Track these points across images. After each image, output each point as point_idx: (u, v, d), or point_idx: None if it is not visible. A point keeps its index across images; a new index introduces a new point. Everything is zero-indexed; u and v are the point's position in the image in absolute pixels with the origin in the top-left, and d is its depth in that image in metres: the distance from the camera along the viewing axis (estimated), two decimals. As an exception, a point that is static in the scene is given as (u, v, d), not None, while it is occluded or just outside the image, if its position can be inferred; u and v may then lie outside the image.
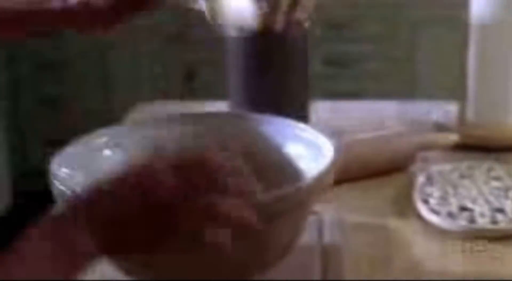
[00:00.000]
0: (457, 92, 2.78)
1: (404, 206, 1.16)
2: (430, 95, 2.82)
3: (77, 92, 3.00)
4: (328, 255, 1.00)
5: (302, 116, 1.37)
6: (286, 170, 1.02)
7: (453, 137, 1.33)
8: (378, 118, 1.49)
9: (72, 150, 0.99)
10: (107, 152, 1.03)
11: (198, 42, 2.61)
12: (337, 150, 0.95)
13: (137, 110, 1.62)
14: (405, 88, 2.90)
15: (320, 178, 0.88)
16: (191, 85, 2.84)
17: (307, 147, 1.01)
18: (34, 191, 3.04)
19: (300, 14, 1.31)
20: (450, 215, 1.11)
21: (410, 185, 1.21)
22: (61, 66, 2.96)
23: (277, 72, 1.33)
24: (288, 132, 1.04)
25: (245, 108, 1.34)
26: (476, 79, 1.36)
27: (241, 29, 1.32)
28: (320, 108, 1.44)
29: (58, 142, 3.12)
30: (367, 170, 1.24)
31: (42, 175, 3.06)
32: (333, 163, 0.91)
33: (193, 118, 1.09)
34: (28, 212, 2.94)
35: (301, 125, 1.04)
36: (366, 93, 2.88)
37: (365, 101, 1.69)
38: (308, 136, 1.01)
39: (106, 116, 2.98)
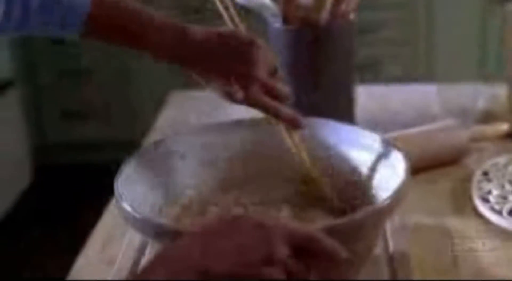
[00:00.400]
0: (476, 58, 2.79)
1: (463, 204, 1.15)
2: (448, 62, 2.82)
3: (95, 66, 2.96)
4: (395, 263, 0.98)
5: (348, 106, 1.35)
6: (350, 178, 1.00)
7: (504, 127, 1.30)
8: (422, 104, 1.47)
9: (132, 166, 0.97)
10: (167, 163, 1.01)
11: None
12: (407, 160, 0.93)
13: (170, 100, 1.59)
14: (423, 55, 2.87)
15: (397, 196, 0.86)
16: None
17: (371, 154, 0.99)
18: (53, 165, 3.04)
19: (346, 6, 1.28)
20: (511, 213, 1.09)
21: (466, 180, 1.19)
22: (79, 40, 2.92)
23: (322, 64, 1.31)
24: (351, 138, 1.02)
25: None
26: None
27: (285, 20, 1.29)
28: (359, 95, 1.41)
29: (76, 116, 3.12)
30: (421, 165, 1.21)
31: (60, 148, 3.05)
32: (408, 177, 0.89)
33: (250, 124, 1.07)
34: (50, 187, 2.95)
35: (365, 131, 1.02)
36: (385, 59, 2.85)
37: (403, 85, 1.65)
38: (372, 143, 1.00)
39: (124, 89, 2.97)
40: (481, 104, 1.41)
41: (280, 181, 1.04)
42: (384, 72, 2.82)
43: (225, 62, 0.99)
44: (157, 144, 1.03)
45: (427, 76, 2.85)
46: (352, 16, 1.31)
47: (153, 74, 2.80)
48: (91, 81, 2.98)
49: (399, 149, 0.96)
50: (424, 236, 1.07)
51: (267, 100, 0.98)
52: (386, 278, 0.96)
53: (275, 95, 0.99)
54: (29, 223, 2.77)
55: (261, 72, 0.98)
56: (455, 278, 0.99)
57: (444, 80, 2.78)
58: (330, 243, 0.74)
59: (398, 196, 0.86)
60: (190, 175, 1.02)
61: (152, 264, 0.72)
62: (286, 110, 0.99)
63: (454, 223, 1.10)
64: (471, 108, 1.42)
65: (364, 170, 0.99)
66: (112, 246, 1.10)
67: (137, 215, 0.87)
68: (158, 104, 1.68)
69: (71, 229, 2.61)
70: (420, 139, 1.24)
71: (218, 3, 1.04)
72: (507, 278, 0.98)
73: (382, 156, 0.97)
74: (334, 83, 1.32)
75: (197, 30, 1.00)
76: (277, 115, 0.99)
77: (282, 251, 0.71)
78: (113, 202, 1.20)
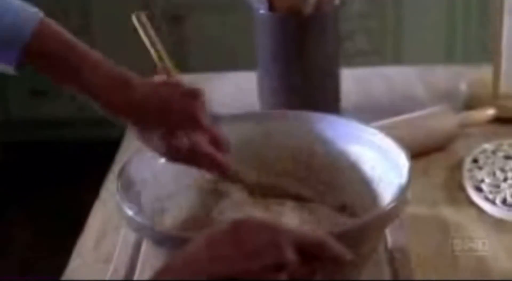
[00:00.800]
0: (443, 29, 2.79)
1: (455, 193, 1.15)
2: (416, 34, 2.83)
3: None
4: (396, 260, 0.98)
5: (334, 93, 1.35)
6: (349, 174, 1.00)
7: (490, 112, 1.31)
8: (404, 88, 1.47)
9: (130, 166, 0.95)
10: (163, 160, 1.00)
11: None
12: (407, 156, 0.93)
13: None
14: (390, 28, 2.88)
15: (403, 197, 0.86)
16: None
17: (370, 148, 0.99)
18: (17, 142, 3.00)
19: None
20: (505, 202, 1.10)
21: (456, 167, 1.20)
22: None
23: (308, 51, 1.30)
24: (348, 133, 1.01)
25: (275, 83, 1.32)
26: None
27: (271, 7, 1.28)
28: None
29: (41, 93, 3.06)
30: (411, 153, 1.21)
31: (26, 126, 2.99)
32: (410, 176, 0.89)
33: (255, 117, 1.06)
34: (16, 165, 2.91)
35: (362, 125, 1.02)
36: (353, 33, 2.85)
37: (382, 66, 1.65)
38: (370, 138, 0.99)
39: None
40: (464, 87, 1.41)
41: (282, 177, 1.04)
42: (353, 45, 2.82)
43: (168, 117, 0.93)
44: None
45: (395, 49, 2.86)
46: (337, 1, 1.30)
47: (121, 52, 2.76)
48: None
49: (397, 144, 0.96)
50: (420, 227, 1.07)
51: (212, 151, 0.94)
52: (387, 278, 0.96)
53: (218, 144, 0.96)
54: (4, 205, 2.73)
55: (205, 122, 0.94)
56: (455, 277, 0.98)
57: (412, 53, 2.82)
58: (338, 247, 0.74)
59: (404, 196, 0.86)
60: (187, 172, 1.01)
61: (159, 273, 0.71)
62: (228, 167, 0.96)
63: (448, 211, 1.11)
64: (455, 92, 1.41)
65: (364, 165, 0.99)
66: (106, 243, 1.08)
67: (140, 221, 0.86)
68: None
69: (50, 210, 2.59)
70: (410, 127, 1.24)
71: (146, 43, 1.01)
72: (506, 276, 0.98)
73: (381, 151, 0.97)
74: (320, 70, 1.32)
75: (140, 82, 0.94)
76: (220, 171, 0.96)
77: (291, 256, 0.71)
78: (102, 195, 1.20)
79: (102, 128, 2.93)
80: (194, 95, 0.94)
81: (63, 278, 1.03)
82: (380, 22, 2.86)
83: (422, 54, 2.76)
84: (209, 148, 0.94)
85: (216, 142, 0.95)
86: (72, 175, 2.72)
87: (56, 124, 2.99)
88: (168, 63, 1.01)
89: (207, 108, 0.95)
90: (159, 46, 1.01)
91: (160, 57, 1.01)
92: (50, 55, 0.93)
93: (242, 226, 0.73)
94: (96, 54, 0.94)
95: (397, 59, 2.83)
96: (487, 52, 2.64)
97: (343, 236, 0.77)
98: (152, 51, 1.01)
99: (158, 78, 0.99)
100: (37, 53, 0.93)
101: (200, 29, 2.83)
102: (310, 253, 0.72)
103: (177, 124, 0.93)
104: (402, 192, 0.86)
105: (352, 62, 1.63)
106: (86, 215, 1.16)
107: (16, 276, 2.30)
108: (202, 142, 0.94)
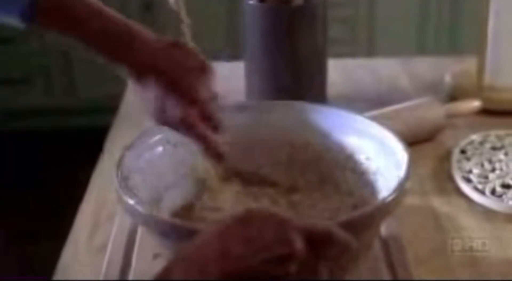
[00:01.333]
0: (416, 20, 2.81)
1: (445, 183, 1.16)
2: (389, 22, 2.85)
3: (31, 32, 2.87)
4: (391, 249, 0.99)
5: (321, 84, 1.36)
6: (346, 165, 1.01)
7: (476, 104, 1.32)
8: (390, 79, 1.49)
9: (131, 155, 0.95)
10: (160, 149, 1.00)
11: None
12: (406, 148, 0.94)
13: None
14: (363, 18, 2.89)
15: (404, 186, 0.87)
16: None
17: (366, 139, 1.00)
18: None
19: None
20: (494, 193, 1.12)
21: (444, 158, 1.22)
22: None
23: (296, 41, 1.30)
24: (343, 124, 1.02)
25: (262, 73, 1.32)
26: (498, 41, 1.34)
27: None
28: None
29: (10, 82, 3.02)
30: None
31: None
32: (410, 166, 0.90)
33: (251, 108, 1.06)
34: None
35: (357, 116, 1.02)
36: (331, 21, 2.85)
37: (365, 58, 1.66)
38: (366, 129, 1.00)
39: (63, 54, 2.91)
40: (449, 79, 1.43)
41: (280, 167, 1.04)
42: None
43: (169, 77, 0.94)
44: (148, 133, 1.01)
45: (369, 38, 2.88)
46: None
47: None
48: (29, 48, 2.90)
49: (395, 135, 0.96)
50: (412, 218, 1.07)
51: (201, 127, 0.94)
52: (383, 264, 0.97)
53: (210, 122, 0.95)
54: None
55: (204, 97, 0.94)
56: (452, 266, 0.99)
57: (385, 42, 2.84)
58: (344, 237, 0.75)
59: (404, 188, 0.87)
60: (185, 161, 1.01)
61: (170, 266, 0.71)
62: (215, 143, 0.95)
63: (437, 201, 1.12)
64: (440, 84, 1.43)
65: (360, 156, 1.00)
66: (100, 232, 1.08)
67: (144, 212, 0.85)
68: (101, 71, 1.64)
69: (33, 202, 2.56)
70: (399, 117, 1.25)
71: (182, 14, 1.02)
72: (497, 266, 1.00)
73: (378, 142, 0.98)
74: (307, 61, 1.32)
75: (148, 35, 0.95)
76: (206, 147, 0.95)
77: (301, 249, 0.71)
78: (92, 187, 1.19)
79: (78, 117, 2.93)
80: (203, 67, 0.95)
81: (57, 272, 1.01)
82: (354, 11, 2.87)
83: (395, 44, 2.78)
84: (202, 127, 0.94)
85: (208, 119, 0.95)
86: (49, 166, 2.70)
87: (27, 114, 2.96)
88: (189, 38, 1.01)
89: (211, 86, 0.95)
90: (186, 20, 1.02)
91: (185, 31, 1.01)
92: (57, 4, 0.94)
93: (252, 220, 0.73)
94: (104, 7, 0.95)
95: (370, 49, 2.85)
96: (459, 41, 2.68)
97: (349, 225, 0.78)
98: (183, 25, 1.01)
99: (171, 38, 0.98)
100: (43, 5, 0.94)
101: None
102: (317, 243, 0.73)
103: (177, 89, 0.93)
104: (402, 183, 0.87)
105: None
106: (74, 206, 1.15)
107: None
108: (193, 114, 0.93)
